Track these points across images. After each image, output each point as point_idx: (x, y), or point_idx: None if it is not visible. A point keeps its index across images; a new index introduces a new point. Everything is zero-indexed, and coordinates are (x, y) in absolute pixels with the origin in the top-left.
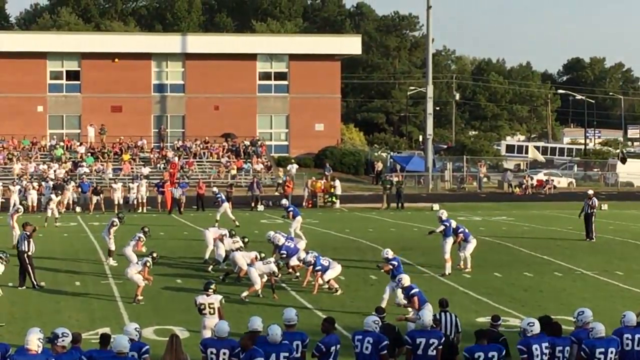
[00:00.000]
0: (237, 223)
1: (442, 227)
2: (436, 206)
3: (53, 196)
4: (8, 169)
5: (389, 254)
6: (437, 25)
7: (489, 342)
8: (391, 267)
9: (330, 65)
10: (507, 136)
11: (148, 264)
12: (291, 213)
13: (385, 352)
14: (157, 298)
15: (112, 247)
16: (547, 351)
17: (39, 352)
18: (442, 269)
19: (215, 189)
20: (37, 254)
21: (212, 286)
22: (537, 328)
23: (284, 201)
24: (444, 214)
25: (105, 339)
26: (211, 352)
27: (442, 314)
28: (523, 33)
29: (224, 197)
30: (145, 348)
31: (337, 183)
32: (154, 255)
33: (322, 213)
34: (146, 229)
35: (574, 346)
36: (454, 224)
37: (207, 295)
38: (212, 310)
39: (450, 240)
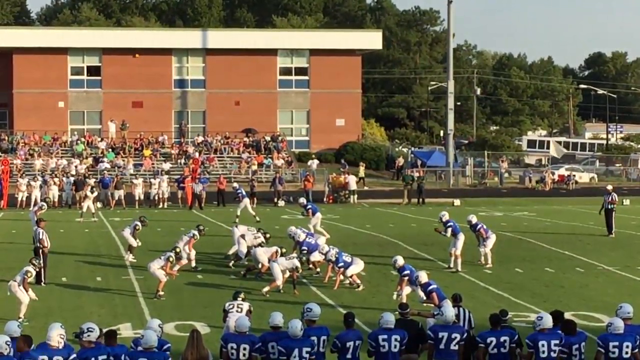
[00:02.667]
0: (257, 218)
1: (449, 230)
2: (457, 202)
3: (89, 192)
4: (29, 164)
5: (399, 262)
6: (458, 20)
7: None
8: (406, 279)
9: (351, 60)
10: (529, 131)
11: (170, 259)
12: (310, 210)
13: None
14: (178, 293)
15: (134, 244)
16: (556, 348)
17: (60, 347)
18: (450, 263)
19: (235, 185)
20: (60, 249)
21: (241, 295)
22: (545, 322)
23: (302, 200)
24: (445, 216)
25: (110, 335)
26: (232, 347)
27: (456, 309)
28: (544, 28)
29: (244, 193)
30: (167, 346)
31: (351, 179)
32: (177, 250)
33: (342, 209)
34: (201, 227)
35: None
36: (474, 219)
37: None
38: (239, 309)
39: (461, 237)
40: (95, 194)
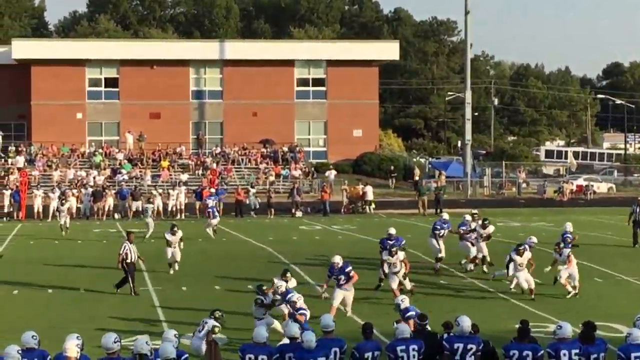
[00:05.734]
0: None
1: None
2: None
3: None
4: (47, 176)
5: (404, 303)
6: (476, 31)
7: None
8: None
9: (368, 71)
10: (547, 141)
11: (216, 330)
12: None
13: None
14: (196, 304)
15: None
16: (576, 358)
17: (78, 358)
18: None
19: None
20: (77, 260)
21: (216, 313)
22: (565, 332)
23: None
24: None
25: None
26: (249, 358)
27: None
28: (562, 38)
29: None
30: (185, 357)
31: (368, 189)
32: (217, 314)
33: (360, 219)
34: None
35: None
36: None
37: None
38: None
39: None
40: (68, 205)
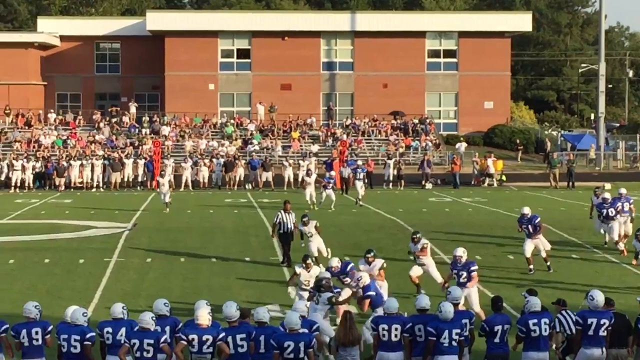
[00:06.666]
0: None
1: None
2: (608, 185)
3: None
4: (180, 146)
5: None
6: (610, 1)
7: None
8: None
9: (500, 43)
10: None
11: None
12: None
13: None
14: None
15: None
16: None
17: (210, 325)
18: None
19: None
20: (209, 230)
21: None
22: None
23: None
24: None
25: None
26: (382, 329)
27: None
28: None
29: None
30: (316, 326)
31: (490, 162)
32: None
33: (490, 192)
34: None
35: None
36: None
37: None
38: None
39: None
40: (169, 178)
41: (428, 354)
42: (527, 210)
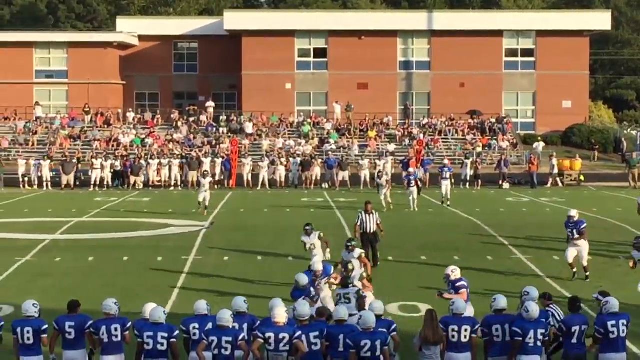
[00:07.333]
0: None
1: None
2: None
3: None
4: (257, 145)
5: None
6: None
7: None
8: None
9: (578, 41)
10: None
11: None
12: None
13: None
14: (399, 275)
15: None
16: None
17: (286, 324)
18: None
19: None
20: (285, 228)
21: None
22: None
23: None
24: None
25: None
26: (452, 329)
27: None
28: None
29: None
30: (394, 326)
31: (554, 162)
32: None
33: (568, 192)
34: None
35: None
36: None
37: None
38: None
39: None
40: (209, 179)
41: (514, 354)
42: (574, 213)
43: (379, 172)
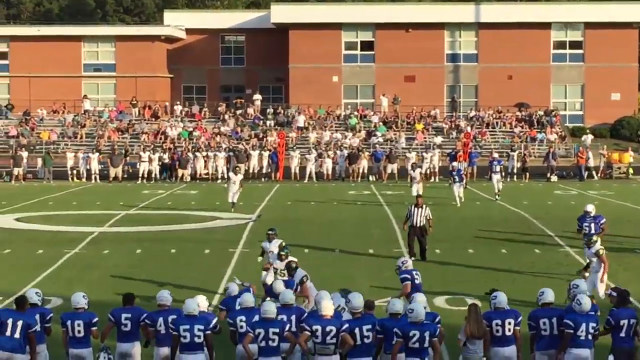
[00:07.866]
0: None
1: None
2: None
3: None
4: (304, 137)
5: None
6: None
7: None
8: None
9: (627, 33)
10: None
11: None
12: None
13: None
14: (446, 267)
15: None
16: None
17: (333, 316)
18: None
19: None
20: (333, 221)
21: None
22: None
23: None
24: None
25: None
26: (496, 324)
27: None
28: None
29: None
30: (439, 318)
31: (590, 155)
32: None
33: (617, 185)
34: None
35: None
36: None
37: None
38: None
39: None
40: (240, 177)
41: (565, 346)
42: (590, 208)
43: (413, 164)
